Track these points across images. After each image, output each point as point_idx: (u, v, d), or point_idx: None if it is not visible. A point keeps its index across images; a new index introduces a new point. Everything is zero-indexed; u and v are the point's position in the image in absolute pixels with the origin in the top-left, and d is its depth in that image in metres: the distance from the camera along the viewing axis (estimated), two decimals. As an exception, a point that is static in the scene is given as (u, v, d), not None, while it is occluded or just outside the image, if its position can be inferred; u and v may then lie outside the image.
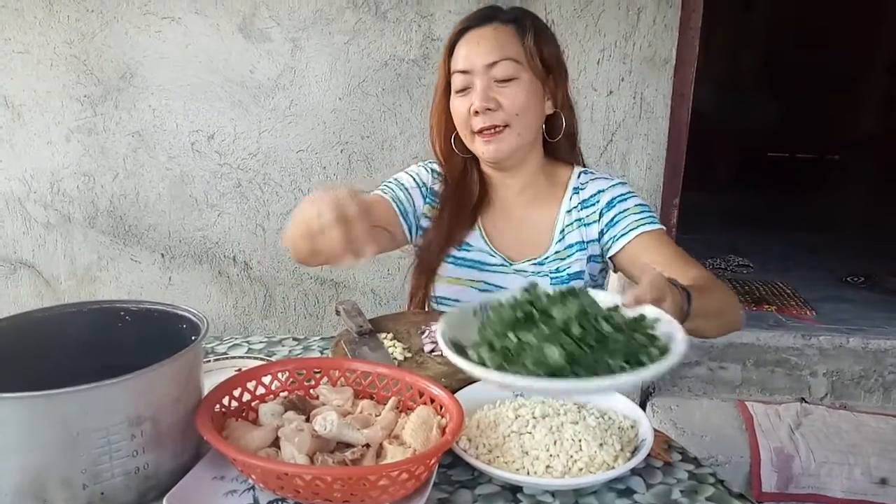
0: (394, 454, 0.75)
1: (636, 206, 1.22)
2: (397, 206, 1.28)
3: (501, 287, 1.25)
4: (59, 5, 2.22)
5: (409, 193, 1.31)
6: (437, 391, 0.84)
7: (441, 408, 0.83)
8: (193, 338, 0.80)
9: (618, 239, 1.19)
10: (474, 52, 1.16)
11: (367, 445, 0.77)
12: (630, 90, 2.18)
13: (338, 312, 1.17)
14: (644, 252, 1.16)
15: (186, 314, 0.87)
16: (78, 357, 0.82)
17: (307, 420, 0.80)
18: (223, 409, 0.83)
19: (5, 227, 2.44)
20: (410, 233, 1.32)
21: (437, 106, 1.27)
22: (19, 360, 0.80)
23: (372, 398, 0.89)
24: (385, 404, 0.86)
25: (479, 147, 1.20)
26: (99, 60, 2.27)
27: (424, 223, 1.32)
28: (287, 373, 0.90)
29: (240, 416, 0.85)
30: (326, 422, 0.77)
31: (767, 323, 2.63)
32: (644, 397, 2.47)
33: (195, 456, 0.79)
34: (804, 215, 5.11)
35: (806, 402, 2.42)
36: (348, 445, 0.77)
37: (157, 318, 0.89)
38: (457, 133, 1.25)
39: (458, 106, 1.19)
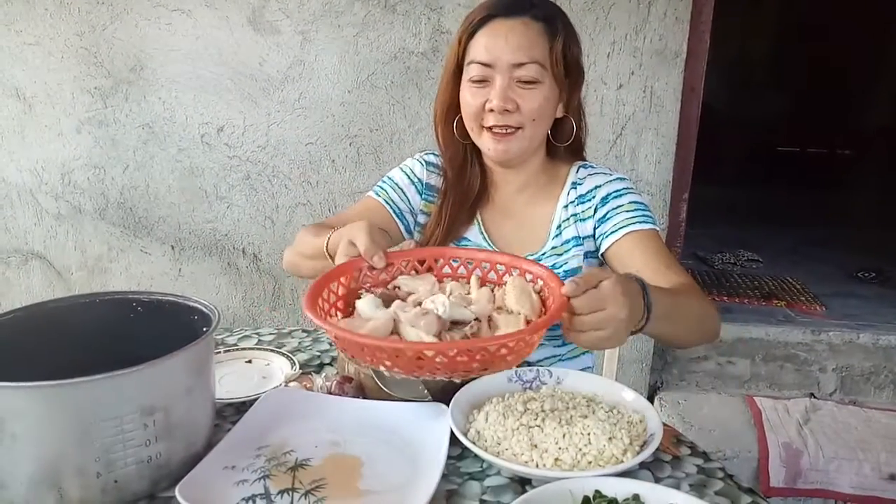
0: (507, 323, 0.80)
1: (630, 202, 1.18)
2: (391, 208, 1.29)
3: None
4: (69, -3, 2.23)
5: (404, 192, 1.30)
6: (527, 265, 0.90)
7: (527, 275, 0.89)
8: (205, 329, 0.81)
9: (607, 236, 1.16)
10: (500, 46, 1.09)
11: (478, 320, 0.81)
12: (640, 84, 2.16)
13: (347, 304, 1.18)
14: (630, 252, 1.13)
15: (198, 306, 0.88)
16: (91, 347, 0.83)
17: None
18: (324, 306, 0.85)
19: (17, 219, 2.46)
20: (408, 231, 1.32)
21: (444, 87, 1.22)
22: (33, 350, 0.81)
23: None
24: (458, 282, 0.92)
25: (487, 143, 1.17)
26: (109, 52, 2.27)
27: (422, 219, 1.32)
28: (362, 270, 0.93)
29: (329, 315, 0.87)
30: (438, 303, 0.81)
31: (776, 318, 2.62)
32: (652, 392, 2.47)
33: (207, 446, 0.80)
34: (814, 210, 5.09)
35: (815, 397, 2.42)
36: (456, 324, 0.81)
37: (168, 310, 0.90)
38: (460, 118, 1.21)
39: (470, 98, 1.15)
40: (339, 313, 0.88)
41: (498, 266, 0.95)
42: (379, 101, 2.26)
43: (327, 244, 1.02)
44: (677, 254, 2.36)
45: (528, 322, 0.80)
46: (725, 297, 2.88)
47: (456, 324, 0.81)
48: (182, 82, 2.29)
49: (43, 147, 2.37)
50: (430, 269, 0.97)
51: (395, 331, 0.80)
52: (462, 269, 0.98)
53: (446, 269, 0.98)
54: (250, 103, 2.29)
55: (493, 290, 0.88)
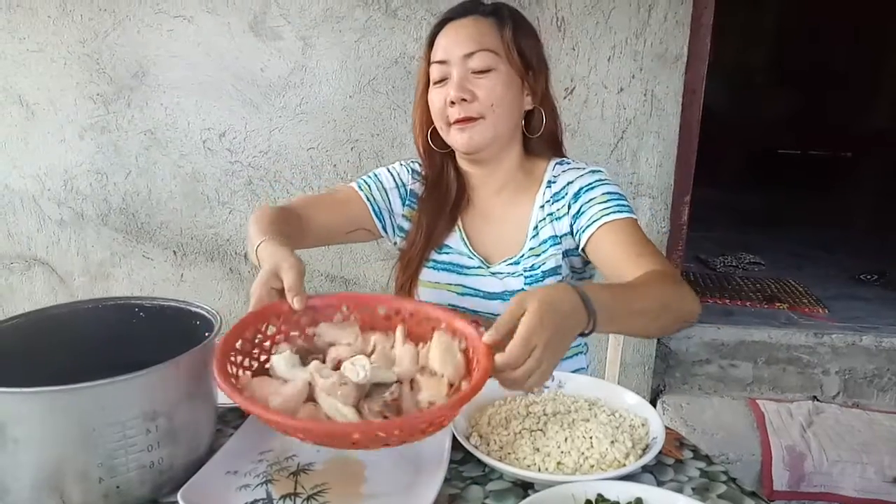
0: (428, 385, 0.74)
1: (603, 194, 1.15)
2: (371, 205, 1.29)
3: (480, 290, 1.23)
4: (72, 4, 2.24)
5: (387, 193, 1.31)
6: (454, 320, 0.83)
7: (454, 331, 0.82)
8: (207, 334, 0.81)
9: (584, 231, 1.14)
10: (452, 42, 1.15)
11: (400, 382, 0.76)
12: (641, 87, 2.16)
13: (348, 309, 1.17)
14: (604, 244, 1.11)
15: (200, 311, 0.88)
16: (93, 353, 0.84)
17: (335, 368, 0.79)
18: (234, 366, 0.78)
19: (20, 225, 2.46)
20: (385, 230, 1.32)
21: (418, 100, 1.25)
22: (36, 356, 0.81)
23: (372, 328, 0.88)
24: (383, 333, 0.86)
25: (454, 136, 1.18)
26: (112, 59, 2.28)
27: (405, 224, 1.32)
28: (281, 316, 0.85)
29: (243, 368, 0.81)
30: (358, 368, 0.74)
31: (779, 321, 2.61)
32: (654, 395, 2.47)
33: (209, 451, 0.80)
34: (816, 213, 5.08)
35: (818, 400, 2.41)
36: (377, 386, 0.76)
37: (171, 315, 0.90)
38: (433, 128, 1.23)
39: (435, 97, 1.18)
40: (255, 362, 0.82)
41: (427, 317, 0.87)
42: (380, 106, 2.26)
43: (257, 249, 0.97)
44: (679, 257, 2.36)
45: (450, 385, 0.75)
46: (728, 300, 2.87)
47: (377, 385, 0.76)
48: (184, 88, 2.29)
49: (46, 153, 2.38)
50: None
51: (311, 396, 0.75)
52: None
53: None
54: (252, 109, 2.30)
55: (417, 348, 0.82)
